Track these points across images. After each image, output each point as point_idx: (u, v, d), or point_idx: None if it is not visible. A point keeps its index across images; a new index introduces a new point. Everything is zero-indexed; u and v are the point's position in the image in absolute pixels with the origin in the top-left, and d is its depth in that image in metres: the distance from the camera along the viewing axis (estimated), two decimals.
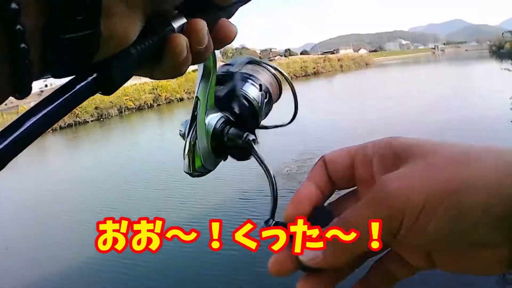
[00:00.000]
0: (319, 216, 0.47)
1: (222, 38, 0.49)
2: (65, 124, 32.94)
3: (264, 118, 0.76)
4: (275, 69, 0.78)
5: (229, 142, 0.67)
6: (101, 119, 35.57)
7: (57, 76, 0.36)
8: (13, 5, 0.28)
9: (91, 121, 34.92)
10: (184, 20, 0.44)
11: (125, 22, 0.37)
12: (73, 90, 0.36)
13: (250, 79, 0.74)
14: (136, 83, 43.48)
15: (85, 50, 0.35)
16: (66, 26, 0.32)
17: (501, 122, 11.65)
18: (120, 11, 0.36)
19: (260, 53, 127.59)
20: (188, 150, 0.64)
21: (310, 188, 0.49)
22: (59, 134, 30.27)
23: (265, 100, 0.74)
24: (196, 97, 0.65)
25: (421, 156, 0.42)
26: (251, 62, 0.78)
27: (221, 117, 0.68)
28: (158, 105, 40.66)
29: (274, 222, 0.52)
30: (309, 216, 0.47)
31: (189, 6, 0.44)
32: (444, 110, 17.92)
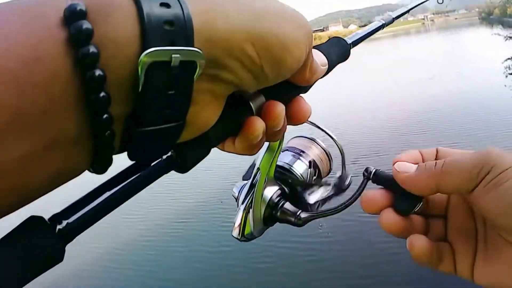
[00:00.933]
0: None
1: (296, 118, 0.49)
2: None
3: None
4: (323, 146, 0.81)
5: (281, 215, 0.69)
6: None
7: (133, 158, 0.36)
8: (102, 94, 0.29)
9: None
10: (262, 100, 0.45)
11: (208, 109, 0.38)
12: (149, 168, 0.38)
13: (301, 155, 0.77)
14: None
15: (166, 140, 0.36)
16: (152, 118, 0.33)
17: (495, 87, 11.79)
18: (204, 99, 0.36)
19: None
20: (241, 217, 0.66)
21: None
22: None
23: (314, 178, 0.76)
24: (258, 168, 0.66)
25: None
26: (303, 137, 0.81)
27: (278, 189, 0.69)
28: None
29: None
30: None
31: (269, 87, 0.43)
32: (438, 79, 18.02)
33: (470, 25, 46.68)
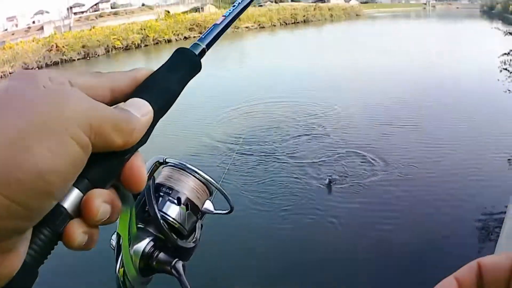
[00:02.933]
0: None
1: (131, 187, 0.45)
2: (51, 62, 32.38)
3: (192, 228, 0.74)
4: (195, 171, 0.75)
5: (157, 266, 0.67)
6: (88, 58, 35.00)
7: None
8: None
9: (78, 59, 34.33)
10: (78, 196, 0.40)
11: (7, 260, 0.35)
12: None
13: (169, 195, 0.72)
14: (125, 22, 42.75)
15: None
16: None
17: (488, 80, 11.84)
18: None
19: None
20: (118, 275, 0.66)
21: None
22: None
23: (187, 212, 0.72)
24: (117, 233, 0.64)
25: None
26: (173, 166, 0.76)
27: (151, 240, 0.67)
28: (146, 45, 40.00)
29: None
30: None
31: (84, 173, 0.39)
32: (434, 68, 18.04)
33: (470, 16, 46.85)
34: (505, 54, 8.96)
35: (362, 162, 8.64)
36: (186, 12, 59.29)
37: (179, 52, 0.53)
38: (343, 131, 10.53)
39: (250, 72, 21.84)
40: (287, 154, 9.30)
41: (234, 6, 0.61)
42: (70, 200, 0.39)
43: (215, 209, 0.79)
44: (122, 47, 38.37)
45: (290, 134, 10.57)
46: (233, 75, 21.40)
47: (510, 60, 8.98)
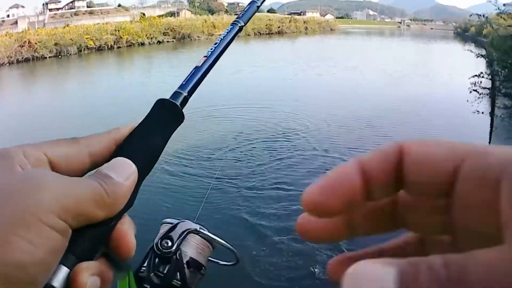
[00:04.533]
0: None
1: (119, 254, 0.43)
2: (22, 58, 31.64)
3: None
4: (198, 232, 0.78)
5: None
6: (60, 56, 34.37)
7: None
8: None
9: (49, 57, 33.66)
10: (65, 273, 0.39)
11: None
12: None
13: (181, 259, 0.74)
14: (100, 22, 42.25)
15: None
16: None
17: (458, 100, 11.98)
18: None
19: (227, 6, 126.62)
20: None
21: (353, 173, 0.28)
22: (16, 68, 29.15)
23: (192, 270, 0.75)
24: None
25: None
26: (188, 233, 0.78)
27: None
28: (119, 47, 39.60)
29: None
30: None
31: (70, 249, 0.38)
32: (404, 86, 18.22)
33: (444, 37, 47.77)
34: (476, 75, 9.00)
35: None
36: (161, 16, 59.28)
37: (160, 104, 0.50)
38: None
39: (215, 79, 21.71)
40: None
41: (215, 44, 0.58)
42: (59, 278, 0.38)
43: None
44: (95, 48, 37.88)
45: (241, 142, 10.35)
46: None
47: (481, 82, 9.03)
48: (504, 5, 10.54)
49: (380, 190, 0.28)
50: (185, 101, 0.51)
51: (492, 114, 10.10)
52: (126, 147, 0.45)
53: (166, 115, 0.49)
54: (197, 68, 0.54)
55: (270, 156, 9.29)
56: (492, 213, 0.23)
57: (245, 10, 0.66)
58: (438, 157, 0.26)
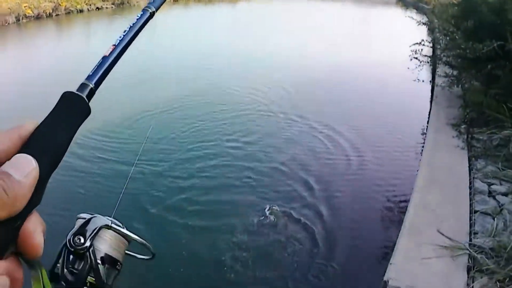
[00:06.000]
0: None
1: (27, 254, 0.42)
2: None
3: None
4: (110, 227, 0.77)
5: None
6: None
7: None
8: None
9: None
10: None
11: None
12: None
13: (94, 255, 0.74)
14: None
15: None
16: None
17: (398, 68, 11.99)
18: None
19: None
20: None
21: None
22: None
23: (107, 266, 0.74)
24: None
25: None
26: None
27: None
28: (57, 15, 38.05)
29: None
30: None
31: None
32: (344, 53, 18.22)
33: (385, 3, 47.71)
34: (417, 43, 8.97)
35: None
36: None
37: (65, 98, 0.49)
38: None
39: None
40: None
41: (125, 32, 0.56)
42: None
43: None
44: (34, 16, 36.26)
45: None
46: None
47: (421, 50, 9.02)
48: None
49: None
50: (91, 93, 0.50)
51: (432, 82, 10.18)
52: (30, 144, 0.43)
53: (71, 109, 0.48)
54: (105, 58, 0.52)
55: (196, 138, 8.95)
56: None
57: None
58: None
